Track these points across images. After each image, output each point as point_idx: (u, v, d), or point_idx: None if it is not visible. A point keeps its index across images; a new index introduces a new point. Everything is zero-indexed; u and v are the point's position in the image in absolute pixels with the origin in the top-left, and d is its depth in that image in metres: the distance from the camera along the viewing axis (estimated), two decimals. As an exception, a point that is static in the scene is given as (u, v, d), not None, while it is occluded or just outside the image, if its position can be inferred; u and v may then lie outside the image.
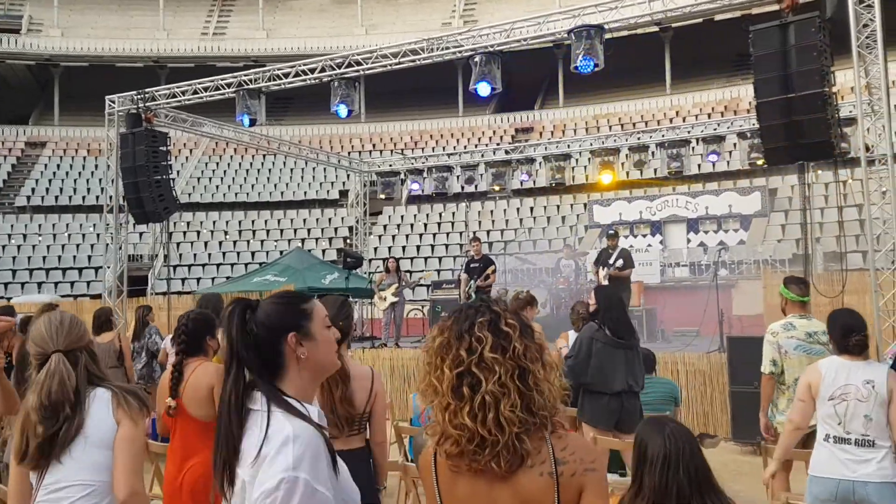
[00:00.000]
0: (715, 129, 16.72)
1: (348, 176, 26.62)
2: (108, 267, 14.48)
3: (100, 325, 7.49)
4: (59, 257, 26.05)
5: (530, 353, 1.89)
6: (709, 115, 25.26)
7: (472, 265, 12.40)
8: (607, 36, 10.38)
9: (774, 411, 5.45)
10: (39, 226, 27.84)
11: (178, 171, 27.90)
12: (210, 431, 4.00)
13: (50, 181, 30.17)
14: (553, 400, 1.90)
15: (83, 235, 27.05)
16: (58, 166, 31.20)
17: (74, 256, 26.05)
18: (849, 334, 4.12)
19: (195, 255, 26.16)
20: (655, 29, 27.16)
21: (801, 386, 4.28)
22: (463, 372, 1.87)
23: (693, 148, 18.01)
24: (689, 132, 17.08)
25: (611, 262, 12.65)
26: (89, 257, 25.55)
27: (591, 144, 18.06)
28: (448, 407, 1.88)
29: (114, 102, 14.02)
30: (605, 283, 12.49)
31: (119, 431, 2.58)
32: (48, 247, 26.58)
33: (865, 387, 3.97)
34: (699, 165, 22.12)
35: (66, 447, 2.52)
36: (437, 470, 1.95)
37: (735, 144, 19.02)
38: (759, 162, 15.19)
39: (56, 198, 29.27)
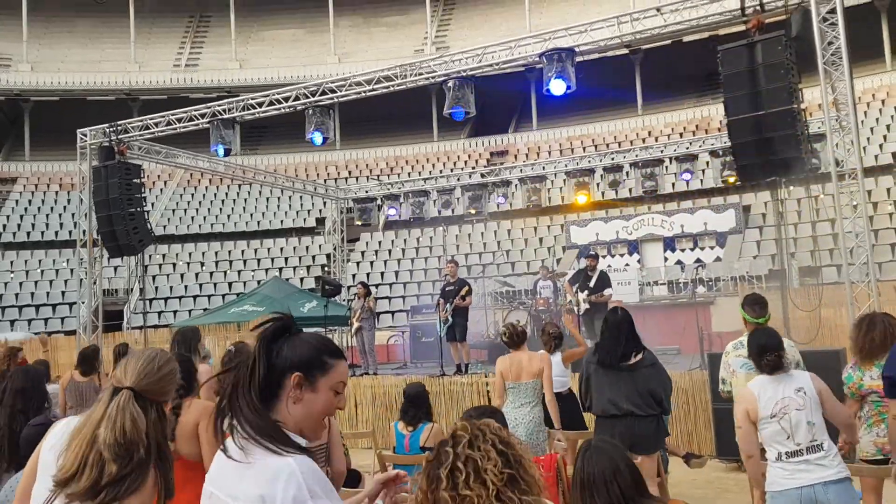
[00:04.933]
0: (687, 148, 16.91)
1: (325, 203, 26.56)
2: (83, 302, 14.30)
3: (87, 365, 7.31)
4: (33, 294, 25.67)
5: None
6: (680, 135, 25.54)
7: (447, 288, 12.39)
8: (578, 59, 10.50)
9: None
10: (11, 262, 27.45)
11: (152, 203, 27.73)
12: (194, 471, 3.92)
13: (22, 217, 29.82)
14: None
15: (56, 271, 26.71)
16: (29, 202, 30.86)
17: (48, 292, 25.67)
18: (762, 354, 4.28)
19: (171, 287, 25.90)
20: (625, 51, 27.53)
21: (738, 412, 4.32)
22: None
23: (666, 167, 18.19)
24: (661, 151, 17.27)
25: (590, 284, 12.67)
26: (63, 293, 25.20)
27: (566, 166, 18.20)
28: None
29: (86, 136, 13.94)
30: (586, 306, 12.52)
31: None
32: (21, 283, 26.20)
33: (798, 394, 4.11)
34: (673, 184, 22.34)
35: (118, 499, 2.26)
36: None
37: (707, 162, 19.25)
38: (732, 179, 15.35)
39: (28, 234, 28.92)
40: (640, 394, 5.15)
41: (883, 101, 25.33)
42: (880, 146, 23.06)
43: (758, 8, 9.03)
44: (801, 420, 4.04)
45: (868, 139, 23.09)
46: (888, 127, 23.91)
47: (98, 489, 2.26)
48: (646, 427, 5.14)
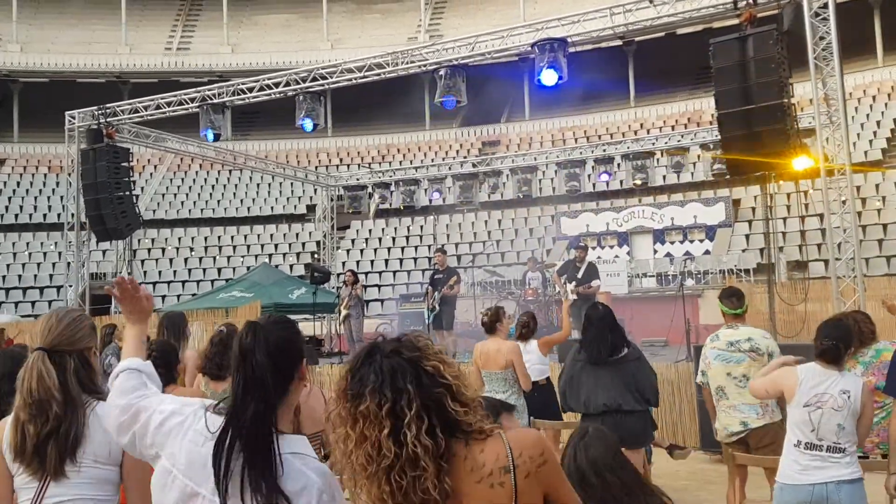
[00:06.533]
0: (679, 141, 16.93)
1: (315, 190, 26.48)
2: (70, 286, 14.25)
3: None
4: (20, 276, 25.55)
5: (381, 414, 1.75)
6: (672, 128, 25.56)
7: (436, 277, 12.41)
8: (572, 50, 10.48)
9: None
10: (-1, 244, 27.33)
11: (142, 188, 27.60)
12: None
13: (10, 199, 29.61)
14: (463, 421, 1.77)
15: (44, 254, 26.56)
16: (18, 184, 30.63)
17: (35, 275, 25.55)
18: (818, 339, 4.20)
19: (160, 272, 25.81)
20: (619, 43, 27.48)
21: (777, 380, 4.25)
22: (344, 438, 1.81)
23: (658, 160, 18.20)
24: (653, 144, 17.27)
25: (578, 275, 12.69)
26: (51, 276, 25.08)
27: (557, 157, 18.20)
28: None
29: (74, 118, 13.85)
30: (573, 297, 12.54)
31: (128, 456, 2.43)
32: (8, 266, 26.06)
33: (841, 396, 4.00)
34: (664, 177, 22.37)
35: (67, 458, 2.41)
36: None
37: (699, 156, 19.28)
38: (722, 173, 15.39)
39: (16, 216, 28.73)
40: (629, 389, 5.13)
41: (874, 98, 25.40)
42: (870, 142, 23.15)
43: (750, 2, 9.03)
44: (833, 420, 3.96)
45: (858, 135, 23.16)
46: (878, 123, 23.99)
47: (41, 453, 2.41)
48: (634, 422, 5.12)
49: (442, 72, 10.93)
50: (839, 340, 4.12)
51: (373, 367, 1.80)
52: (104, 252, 24.47)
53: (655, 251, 21.41)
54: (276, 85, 12.40)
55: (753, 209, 21.62)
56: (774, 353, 5.23)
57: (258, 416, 1.82)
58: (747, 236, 20.70)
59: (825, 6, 9.03)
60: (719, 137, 10.09)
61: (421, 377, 1.77)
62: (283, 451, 1.81)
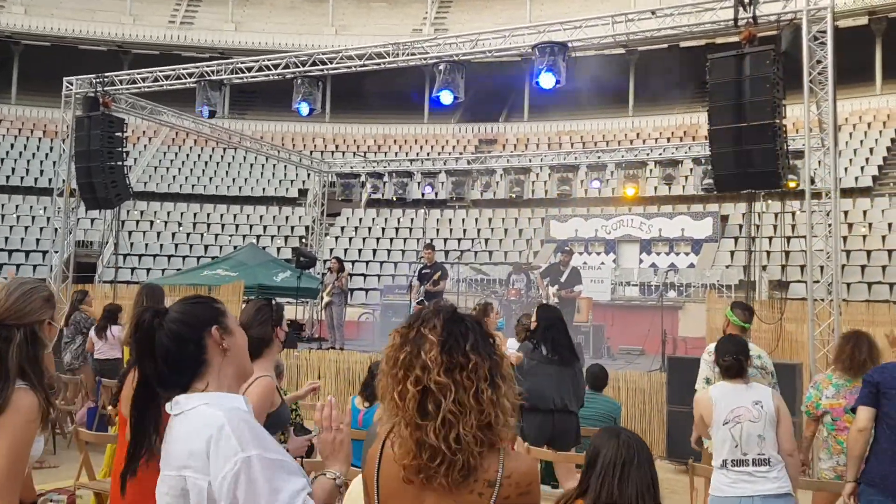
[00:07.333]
0: (672, 154, 17.01)
1: (308, 175, 26.47)
2: (56, 251, 14.23)
3: None
4: (7, 238, 25.44)
5: (482, 371, 1.86)
6: (668, 140, 25.67)
7: (423, 272, 12.46)
8: (574, 55, 10.54)
9: None
10: (-12, 205, 27.18)
11: (135, 159, 27.53)
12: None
13: (2, 160, 29.45)
14: (506, 414, 1.87)
15: (33, 218, 26.46)
16: (11, 146, 30.46)
17: (22, 238, 25.45)
18: (718, 357, 4.36)
19: (147, 245, 25.76)
20: (622, 51, 27.57)
21: (695, 416, 4.44)
22: (424, 389, 1.84)
23: (650, 170, 18.30)
24: (647, 154, 17.36)
25: (562, 279, 12.79)
26: (37, 240, 24.99)
27: (552, 160, 18.26)
28: (411, 422, 1.84)
29: (72, 84, 13.81)
30: (555, 300, 12.64)
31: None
32: (-5, 227, 25.97)
33: (755, 408, 4.13)
34: (655, 188, 22.48)
35: None
36: (380, 469, 1.93)
37: (691, 169, 19.37)
38: (711, 189, 15.47)
39: (7, 177, 28.57)
40: (574, 391, 5.24)
41: (869, 125, 25.58)
42: (861, 168, 23.33)
43: (750, 20, 9.10)
44: (752, 433, 4.07)
45: (850, 160, 23.34)
46: (871, 150, 24.18)
47: None
48: (569, 423, 5.24)
49: (442, 66, 10.96)
50: (738, 354, 4.27)
51: (466, 324, 1.92)
52: (92, 221, 24.39)
53: (641, 261, 21.55)
54: (276, 66, 12.40)
55: (740, 226, 21.78)
56: (773, 374, 5.35)
57: (140, 389, 1.99)
58: (732, 252, 20.85)
59: (824, 31, 9.12)
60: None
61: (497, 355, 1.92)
62: (194, 406, 1.89)
